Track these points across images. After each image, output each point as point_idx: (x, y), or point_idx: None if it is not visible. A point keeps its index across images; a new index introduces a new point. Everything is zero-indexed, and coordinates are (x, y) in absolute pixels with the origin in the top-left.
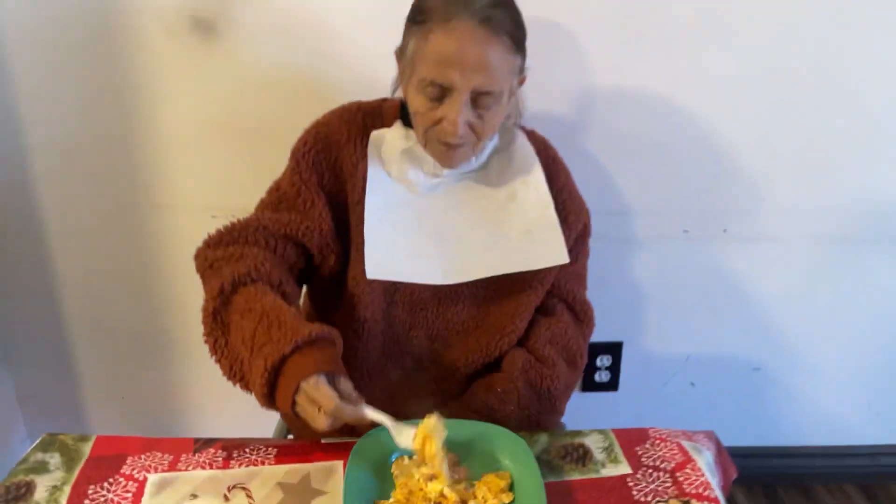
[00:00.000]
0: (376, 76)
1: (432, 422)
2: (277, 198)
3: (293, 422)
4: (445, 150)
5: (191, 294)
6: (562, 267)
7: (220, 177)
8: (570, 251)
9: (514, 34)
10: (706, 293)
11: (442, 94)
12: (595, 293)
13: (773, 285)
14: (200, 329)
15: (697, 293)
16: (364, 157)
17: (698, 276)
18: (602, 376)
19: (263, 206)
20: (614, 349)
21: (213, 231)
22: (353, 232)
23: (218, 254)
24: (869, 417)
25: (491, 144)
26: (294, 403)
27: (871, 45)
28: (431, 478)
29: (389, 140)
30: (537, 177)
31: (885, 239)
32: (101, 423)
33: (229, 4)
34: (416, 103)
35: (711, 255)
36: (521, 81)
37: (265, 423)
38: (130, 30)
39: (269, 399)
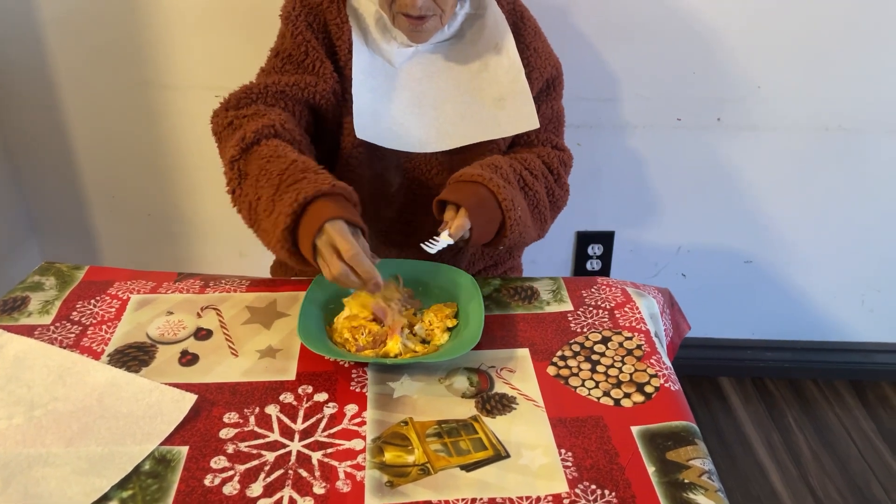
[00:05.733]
0: None
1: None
2: (282, 61)
3: (290, 270)
4: (411, 25)
5: (199, 172)
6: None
7: (222, 58)
8: (537, 103)
9: None
10: (699, 184)
11: None
12: (586, 182)
13: (767, 176)
14: (208, 207)
15: (690, 184)
16: (346, 20)
17: (691, 166)
18: (593, 265)
19: (268, 71)
20: (606, 238)
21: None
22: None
23: (239, 113)
24: (862, 313)
25: (462, 12)
26: (313, 246)
27: None
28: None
29: (364, 7)
30: (509, 43)
31: (882, 130)
32: None
33: None
34: None
35: (705, 144)
36: None
37: None
38: None
39: (290, 235)
